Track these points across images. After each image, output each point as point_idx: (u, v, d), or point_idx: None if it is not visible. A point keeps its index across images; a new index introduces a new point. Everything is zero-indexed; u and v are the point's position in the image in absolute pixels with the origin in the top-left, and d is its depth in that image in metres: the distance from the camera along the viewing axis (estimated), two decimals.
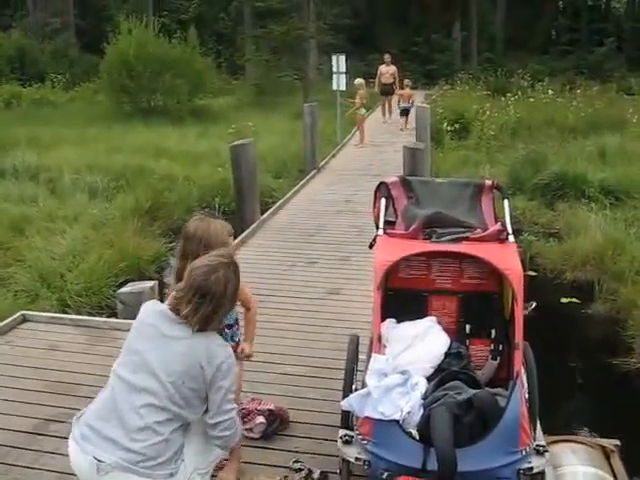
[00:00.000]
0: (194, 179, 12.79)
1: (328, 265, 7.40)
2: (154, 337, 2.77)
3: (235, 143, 8.96)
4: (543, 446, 3.01)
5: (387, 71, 20.15)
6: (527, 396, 3.18)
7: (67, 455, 3.76)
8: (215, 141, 16.84)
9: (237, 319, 3.54)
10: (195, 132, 18.89)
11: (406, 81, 21.42)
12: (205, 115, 23.11)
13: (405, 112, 19.82)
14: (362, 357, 3.61)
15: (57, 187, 11.81)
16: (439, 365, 3.28)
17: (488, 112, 18.67)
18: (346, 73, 17.81)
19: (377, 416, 2.90)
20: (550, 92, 22.10)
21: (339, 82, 17.57)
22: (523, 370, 3.21)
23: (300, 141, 14.58)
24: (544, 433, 3.76)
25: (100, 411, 2.81)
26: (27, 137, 16.38)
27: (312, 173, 13.21)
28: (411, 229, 3.54)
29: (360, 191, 10.78)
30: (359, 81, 16.59)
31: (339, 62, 17.51)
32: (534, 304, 6.89)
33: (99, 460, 2.65)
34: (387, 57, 20.62)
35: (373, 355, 3.21)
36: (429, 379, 3.15)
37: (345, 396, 3.18)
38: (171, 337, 2.75)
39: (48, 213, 10.06)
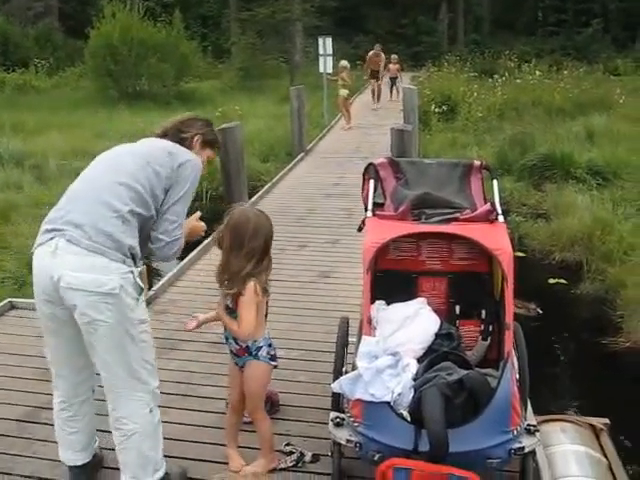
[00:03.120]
0: None
1: (318, 248, 7.39)
2: None
3: (222, 126, 8.88)
4: (534, 426, 3.01)
5: (377, 61, 20.79)
6: (518, 376, 3.18)
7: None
8: None
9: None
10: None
11: (393, 56, 22.20)
12: (191, 99, 22.98)
13: (393, 81, 22.36)
14: (352, 339, 3.60)
15: (43, 173, 11.73)
16: (429, 346, 3.27)
17: (475, 94, 18.66)
18: (332, 55, 17.73)
19: (368, 398, 2.89)
20: (537, 73, 22.12)
21: (325, 65, 17.51)
22: (514, 350, 3.21)
23: (287, 124, 14.52)
24: (534, 413, 3.78)
25: None
26: (11, 123, 16.26)
27: (300, 156, 13.17)
28: (400, 210, 3.51)
29: (348, 174, 10.76)
30: (343, 63, 16.52)
31: (325, 44, 17.43)
32: (539, 310, 6.97)
33: None
34: (377, 46, 21.52)
35: (363, 337, 3.20)
36: (420, 360, 3.14)
37: (336, 379, 3.17)
38: None
39: (34, 199, 9.99)
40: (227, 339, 3.30)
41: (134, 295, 2.88)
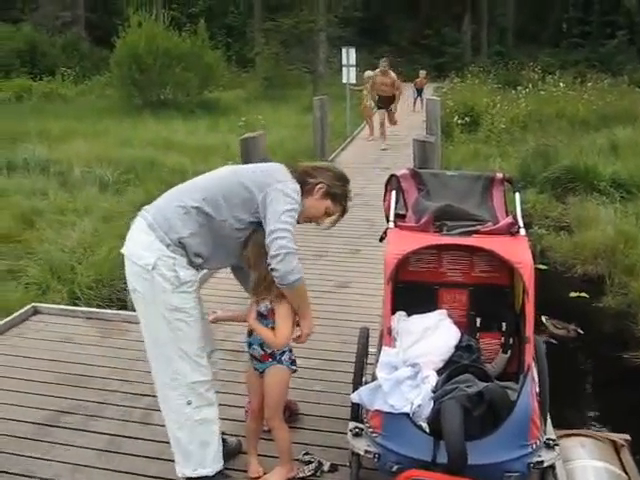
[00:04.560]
0: (205, 172, 12.79)
1: (338, 258, 7.40)
2: None
3: (245, 136, 8.96)
4: (553, 440, 3.00)
5: (383, 82, 14.78)
6: (538, 390, 3.18)
7: (79, 447, 3.83)
8: (225, 134, 16.86)
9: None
10: (205, 125, 18.91)
11: (421, 72, 22.08)
12: (215, 108, 23.13)
13: (419, 92, 21.75)
14: (372, 350, 3.61)
15: (67, 180, 11.85)
16: (449, 358, 3.28)
17: (499, 105, 18.62)
18: (356, 66, 17.77)
19: (387, 409, 2.90)
20: (561, 85, 22.04)
21: (349, 75, 17.55)
22: (534, 364, 3.20)
23: (310, 134, 14.57)
24: (554, 427, 3.76)
25: None
26: (38, 130, 16.43)
27: None
28: (421, 222, 3.53)
29: (370, 184, 10.77)
30: (368, 74, 16.55)
31: (349, 55, 17.48)
32: (579, 330, 6.92)
33: None
34: (383, 62, 15.12)
35: (383, 348, 3.21)
36: (439, 372, 3.15)
37: (355, 389, 3.19)
38: None
39: (58, 206, 10.10)
40: (250, 345, 3.32)
41: (171, 280, 3.03)
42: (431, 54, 42.99)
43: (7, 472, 3.63)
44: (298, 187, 3.19)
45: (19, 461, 3.72)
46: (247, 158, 8.81)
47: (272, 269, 2.98)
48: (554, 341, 6.76)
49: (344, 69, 17.73)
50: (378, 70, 15.11)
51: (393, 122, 16.14)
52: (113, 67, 24.03)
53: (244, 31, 40.75)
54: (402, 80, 16.23)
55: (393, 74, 14.97)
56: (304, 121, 18.03)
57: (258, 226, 3.12)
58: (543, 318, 6.98)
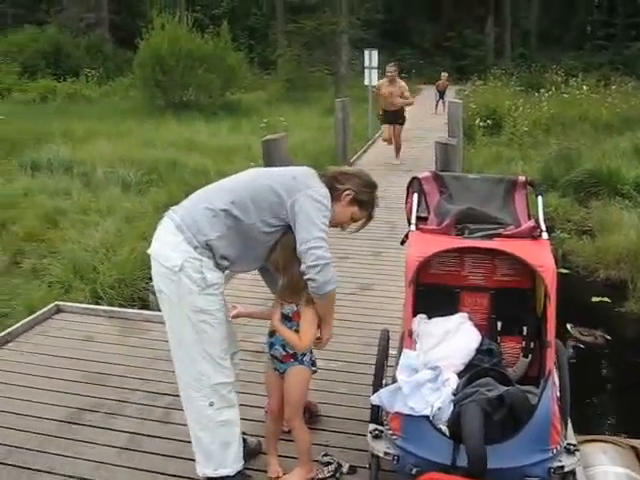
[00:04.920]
0: (226, 173, 12.83)
1: (360, 260, 7.40)
2: None
3: (267, 138, 8.97)
4: (574, 445, 2.98)
5: (391, 92, 12.89)
6: (558, 394, 3.16)
7: (100, 444, 3.86)
8: (247, 136, 16.92)
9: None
10: (227, 126, 18.99)
11: (443, 74, 21.96)
12: (237, 110, 23.21)
13: (441, 95, 21.46)
14: (393, 352, 3.61)
15: (91, 180, 11.95)
16: (470, 361, 3.27)
17: (521, 108, 18.51)
18: (378, 68, 17.76)
19: (407, 411, 2.90)
20: (584, 88, 21.86)
21: (371, 77, 17.53)
22: (555, 368, 3.19)
23: (331, 136, 14.57)
24: (575, 432, 3.73)
25: None
26: (62, 131, 16.60)
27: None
28: (443, 225, 3.52)
29: (392, 187, 10.74)
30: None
31: (371, 57, 17.47)
32: (607, 337, 6.85)
33: None
34: (391, 68, 13.06)
35: (404, 350, 3.21)
36: (460, 375, 3.14)
37: (375, 391, 3.19)
38: None
39: (82, 206, 10.19)
40: (272, 345, 3.34)
41: (197, 282, 3.03)
42: (453, 56, 42.90)
43: (30, 468, 3.67)
44: (328, 192, 3.19)
45: (41, 458, 3.77)
46: (269, 160, 8.83)
47: (309, 279, 2.99)
48: (582, 346, 6.72)
49: (366, 71, 17.72)
50: (385, 78, 13.20)
51: (397, 142, 13.56)
52: (136, 68, 24.20)
53: (266, 33, 40.88)
54: (423, 82, 15.94)
55: (402, 82, 13.19)
56: (326, 123, 18.04)
57: (287, 230, 3.13)
58: (568, 326, 6.93)
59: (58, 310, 5.96)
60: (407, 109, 13.62)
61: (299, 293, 3.18)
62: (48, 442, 3.92)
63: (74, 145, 14.89)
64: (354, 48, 33.00)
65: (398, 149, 13.78)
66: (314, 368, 3.40)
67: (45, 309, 5.87)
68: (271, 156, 8.80)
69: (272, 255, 3.21)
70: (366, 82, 17.76)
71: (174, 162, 13.36)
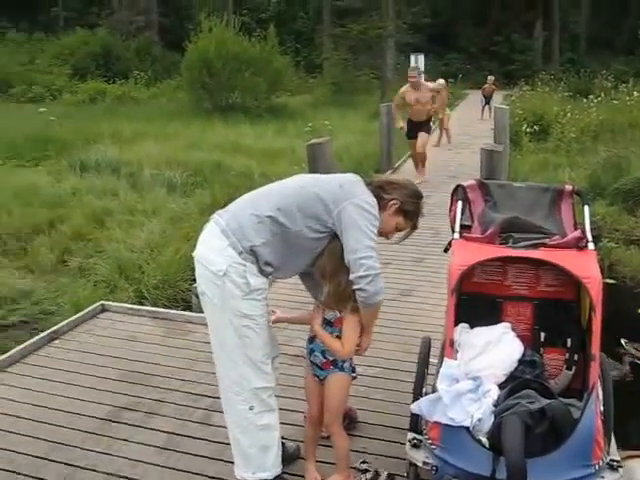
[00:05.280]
0: (270, 176, 12.93)
1: (402, 266, 7.37)
2: None
3: (312, 141, 8.98)
4: (617, 461, 2.92)
5: (417, 98, 11.30)
6: (602, 409, 3.10)
7: (139, 443, 3.91)
8: (292, 139, 16.97)
9: None
10: (272, 130, 19.08)
11: (490, 77, 21.73)
12: (282, 113, 23.32)
13: (487, 100, 21.22)
14: (433, 360, 3.58)
15: (137, 181, 12.11)
16: (512, 373, 3.23)
17: (569, 114, 18.22)
18: (424, 72, 17.68)
19: (446, 421, 2.87)
20: (635, 94, 21.39)
21: None
22: (599, 382, 3.12)
23: (376, 141, 14.54)
24: (619, 448, 3.65)
25: None
26: (110, 132, 16.86)
27: (388, 173, 13.17)
28: (487, 233, 3.48)
29: (436, 192, 10.69)
30: (441, 82, 16.51)
31: (417, 61, 17.48)
32: None
33: None
34: (413, 72, 11.55)
35: (445, 359, 3.18)
36: (501, 386, 3.10)
37: (415, 399, 3.17)
38: None
39: (128, 206, 10.33)
40: (312, 351, 3.34)
41: (241, 287, 3.05)
42: (500, 61, 42.48)
43: (72, 465, 3.74)
44: (375, 201, 3.18)
45: (83, 455, 3.84)
46: (313, 163, 8.85)
47: (360, 289, 3.00)
48: (639, 362, 6.58)
49: None
50: (407, 85, 11.56)
51: (421, 153, 11.81)
52: (184, 71, 24.48)
53: (313, 37, 41.02)
54: (470, 87, 15.63)
55: (430, 84, 11.96)
56: (371, 127, 18.01)
57: (334, 236, 3.13)
58: (623, 341, 6.79)
59: (103, 309, 6.06)
60: (449, 116, 13.28)
61: (345, 301, 3.18)
62: (90, 439, 3.99)
63: (122, 146, 15.11)
64: (400, 52, 32.96)
65: (423, 160, 12.04)
66: (354, 374, 3.40)
67: (90, 308, 5.98)
68: (316, 160, 8.82)
69: (318, 262, 3.21)
70: None
71: (219, 164, 13.47)
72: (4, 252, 8.55)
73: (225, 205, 3.36)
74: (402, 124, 11.84)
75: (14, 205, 10.14)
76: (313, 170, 8.87)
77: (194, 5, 39.77)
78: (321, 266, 3.20)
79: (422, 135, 11.62)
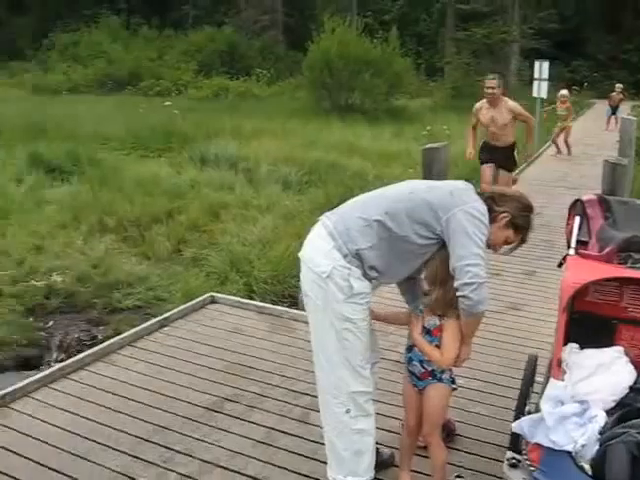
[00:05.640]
0: (385, 178, 12.90)
1: (512, 278, 7.18)
2: None
3: (428, 146, 8.89)
4: None
5: (493, 118, 8.66)
6: None
7: (238, 434, 3.99)
8: (408, 142, 16.90)
9: None
10: (389, 132, 19.05)
11: (618, 85, 20.83)
12: (400, 115, 23.25)
13: (613, 110, 20.43)
14: (538, 379, 3.47)
15: (254, 177, 12.39)
16: (622, 399, 3.07)
17: None
18: (548, 80, 17.17)
19: (548, 444, 2.77)
20: None
21: (540, 89, 17.01)
22: None
23: None
24: None
25: None
26: (231, 127, 17.33)
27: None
28: (605, 251, 3.34)
29: (553, 203, 10.37)
30: (564, 93, 16.03)
31: (542, 68, 16.94)
32: None
33: None
34: (492, 82, 8.60)
35: (551, 380, 3.07)
36: (609, 413, 2.96)
37: (517, 418, 3.08)
38: None
39: (243, 201, 10.58)
40: (410, 360, 3.31)
41: (344, 290, 3.04)
42: (630, 70, 40.64)
43: (172, 449, 3.86)
44: (486, 209, 3.12)
45: (182, 440, 3.95)
46: (428, 168, 8.75)
47: (463, 296, 2.95)
48: None
49: (535, 83, 17.21)
50: (484, 100, 8.75)
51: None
52: (305, 70, 24.84)
53: (435, 40, 40.67)
54: (596, 96, 15.04)
55: (512, 103, 8.74)
56: None
57: (441, 243, 3.09)
58: None
59: (213, 301, 6.23)
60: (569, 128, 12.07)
61: (451, 308, 3.13)
62: (190, 426, 4.11)
63: (241, 141, 15.48)
64: (524, 58, 32.14)
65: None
66: (454, 386, 3.33)
67: (200, 298, 6.16)
68: (430, 164, 8.72)
69: (427, 267, 3.18)
70: (534, 94, 17.24)
71: (334, 164, 13.58)
72: (124, 238, 8.95)
73: (337, 205, 3.37)
74: (471, 149, 9.15)
75: (136, 194, 10.60)
76: (427, 174, 8.78)
77: (318, 5, 40.23)
78: (432, 272, 3.15)
79: (502, 176, 9.04)
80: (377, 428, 3.36)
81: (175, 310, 5.88)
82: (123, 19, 41.27)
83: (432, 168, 8.67)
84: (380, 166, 13.83)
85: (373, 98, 23.84)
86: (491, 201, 3.22)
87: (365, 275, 3.07)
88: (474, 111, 8.96)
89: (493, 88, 8.56)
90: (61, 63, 34.13)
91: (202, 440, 3.96)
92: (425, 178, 8.73)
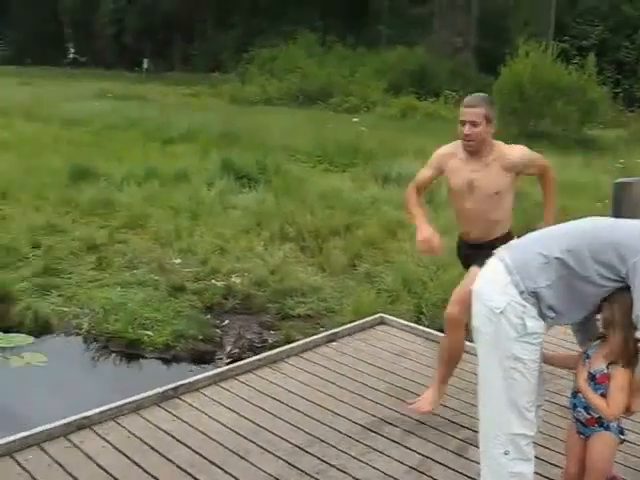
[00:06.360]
0: (569, 210, 12.30)
1: None
2: None
3: (620, 180, 8.41)
4: None
5: (471, 182, 4.68)
6: None
7: (392, 458, 3.97)
8: (598, 174, 16.05)
9: None
10: (578, 162, 18.21)
11: None
12: (591, 146, 22.16)
13: None
14: None
15: (434, 198, 12.24)
16: None
17: None
18: None
19: None
20: None
21: None
22: None
23: None
24: None
25: None
26: (415, 147, 17.32)
27: None
28: None
29: None
30: None
31: None
32: None
33: None
34: (473, 109, 4.50)
35: None
36: None
37: None
38: None
39: None
40: (575, 406, 3.16)
41: (517, 328, 2.95)
42: None
43: (327, 462, 3.94)
44: None
45: (339, 455, 4.01)
46: (617, 204, 8.26)
47: None
48: None
49: None
50: (455, 143, 4.98)
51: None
52: (495, 94, 24.31)
53: (636, 68, 38.41)
54: None
55: (517, 151, 5.03)
56: None
57: (624, 286, 2.92)
58: None
59: (382, 322, 6.29)
60: None
61: (625, 357, 2.94)
62: (346, 442, 4.16)
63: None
64: None
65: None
66: (622, 437, 3.13)
67: (370, 318, 6.24)
68: (621, 200, 8.22)
69: (605, 309, 3.01)
70: None
71: (517, 191, 13.10)
72: (302, 248, 9.22)
73: (521, 236, 3.28)
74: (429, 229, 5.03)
75: (318, 206, 10.88)
76: (616, 210, 8.28)
77: (513, 29, 39.37)
78: (609, 316, 2.99)
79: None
80: (535, 473, 3.21)
81: (344, 327, 6.00)
82: (319, 36, 42.63)
83: (622, 204, 8.17)
84: (565, 197, 13.20)
85: (564, 126, 22.92)
86: None
87: (541, 314, 2.96)
88: (432, 161, 5.08)
89: (474, 124, 4.50)
90: (259, 76, 35.74)
91: (357, 459, 3.99)
92: (614, 214, 8.24)
